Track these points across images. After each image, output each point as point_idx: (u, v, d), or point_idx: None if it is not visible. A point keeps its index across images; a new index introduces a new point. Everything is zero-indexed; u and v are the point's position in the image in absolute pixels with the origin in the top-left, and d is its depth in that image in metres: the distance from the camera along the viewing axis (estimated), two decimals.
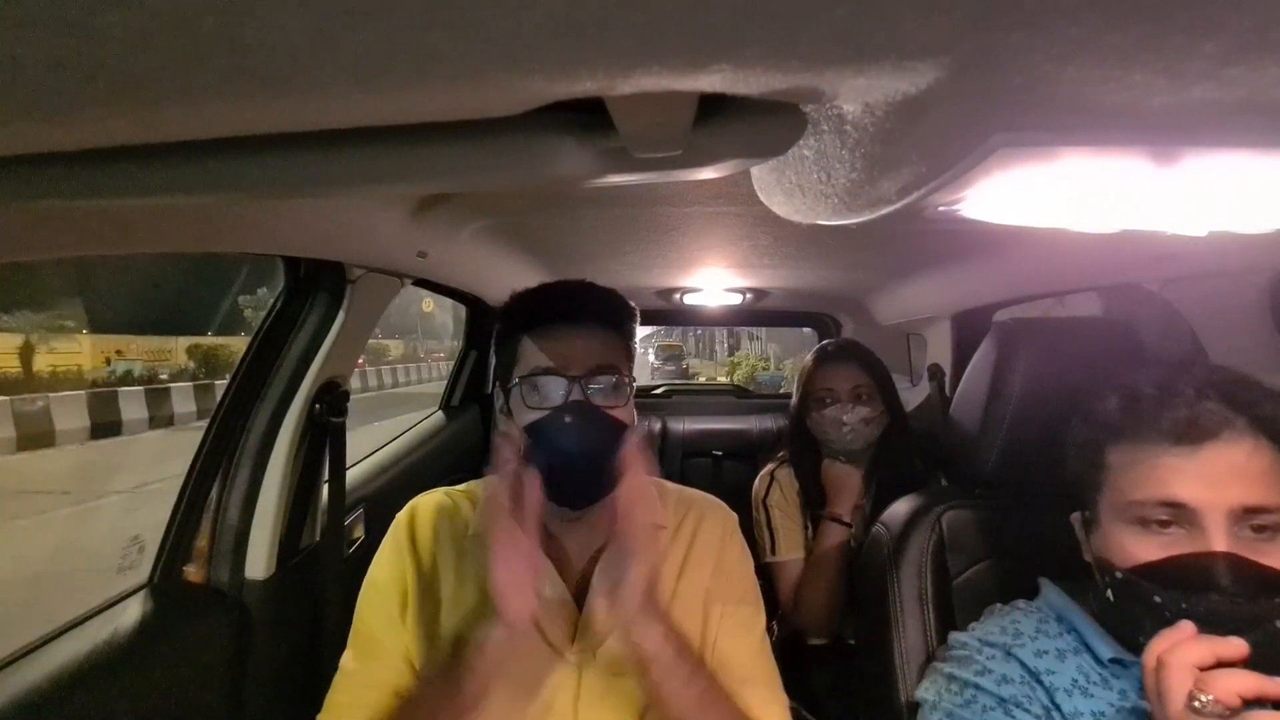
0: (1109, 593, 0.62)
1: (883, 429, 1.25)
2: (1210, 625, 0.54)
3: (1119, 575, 0.60)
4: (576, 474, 0.68)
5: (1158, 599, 0.57)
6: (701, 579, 0.75)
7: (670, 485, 0.83)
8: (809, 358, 1.36)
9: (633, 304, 0.76)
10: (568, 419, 0.67)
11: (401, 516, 0.77)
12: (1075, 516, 0.68)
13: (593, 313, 0.72)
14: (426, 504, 0.77)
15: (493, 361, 0.85)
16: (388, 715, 0.67)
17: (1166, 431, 0.57)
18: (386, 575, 0.73)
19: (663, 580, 0.74)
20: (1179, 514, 0.56)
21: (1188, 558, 0.55)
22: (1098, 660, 0.63)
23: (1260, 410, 0.56)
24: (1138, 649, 0.60)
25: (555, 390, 0.68)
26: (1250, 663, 0.53)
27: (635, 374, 0.75)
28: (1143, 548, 0.58)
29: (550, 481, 0.69)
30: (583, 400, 0.68)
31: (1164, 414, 0.57)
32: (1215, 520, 0.54)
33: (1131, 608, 0.59)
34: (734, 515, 0.83)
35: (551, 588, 0.70)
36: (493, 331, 1.86)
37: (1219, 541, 0.54)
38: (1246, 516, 0.54)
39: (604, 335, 0.71)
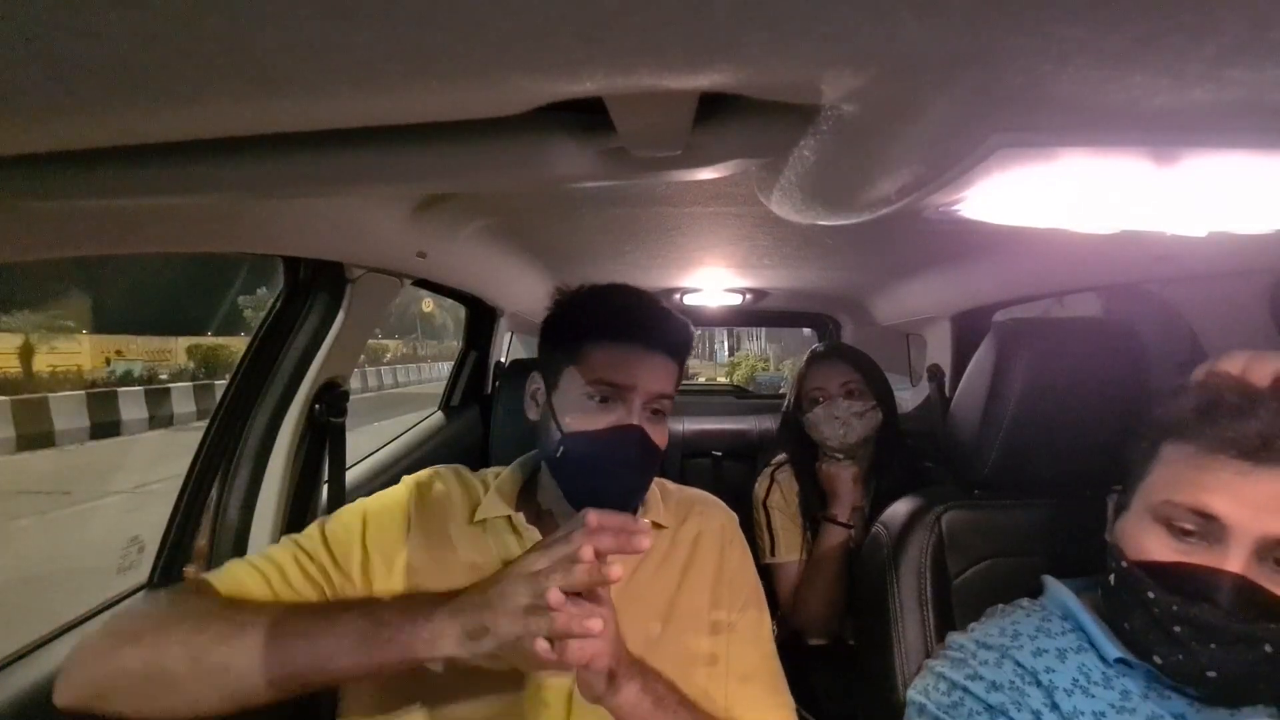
0: (1111, 577, 0.62)
1: (878, 424, 1.25)
2: (1200, 636, 0.54)
3: (1123, 564, 0.60)
4: (611, 494, 0.69)
5: (1151, 595, 0.56)
6: (704, 585, 0.75)
7: (671, 485, 0.84)
8: (801, 363, 1.38)
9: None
10: (620, 445, 0.68)
11: (422, 476, 0.75)
12: (1111, 497, 0.67)
13: (671, 343, 0.72)
14: (447, 474, 0.77)
15: (535, 352, 0.82)
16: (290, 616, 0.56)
17: (1231, 442, 0.54)
18: (376, 519, 0.69)
19: (663, 582, 0.74)
20: (1208, 527, 0.55)
21: (1197, 568, 0.54)
22: (1102, 659, 0.63)
23: None
24: (1140, 650, 0.60)
25: (614, 410, 0.69)
26: (1236, 680, 0.54)
27: None
28: (1157, 547, 0.57)
29: (579, 492, 0.71)
30: (639, 429, 0.68)
31: (1237, 424, 0.54)
32: (1242, 544, 0.53)
33: (1125, 598, 0.60)
34: (734, 515, 0.83)
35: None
36: (494, 329, 1.83)
37: (1236, 564, 0.53)
38: (1274, 549, 0.53)
39: (672, 366, 0.72)
